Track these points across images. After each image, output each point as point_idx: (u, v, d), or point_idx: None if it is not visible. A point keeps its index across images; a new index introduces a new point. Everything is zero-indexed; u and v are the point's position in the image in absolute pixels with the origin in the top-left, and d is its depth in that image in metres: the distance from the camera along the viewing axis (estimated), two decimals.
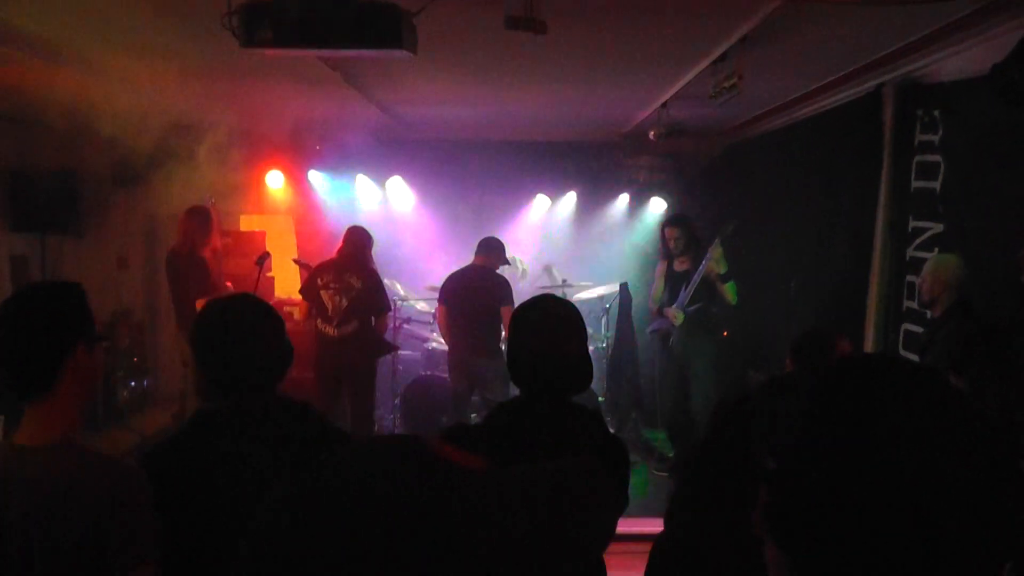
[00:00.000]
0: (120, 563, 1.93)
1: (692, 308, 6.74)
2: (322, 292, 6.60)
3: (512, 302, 6.61)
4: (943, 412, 0.87)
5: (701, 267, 6.63)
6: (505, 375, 6.60)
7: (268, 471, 2.08)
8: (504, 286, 6.80)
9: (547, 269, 8.82)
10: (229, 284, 7.10)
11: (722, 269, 6.61)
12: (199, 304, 6.42)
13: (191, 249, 6.75)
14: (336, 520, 0.78)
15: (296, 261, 7.50)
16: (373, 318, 6.73)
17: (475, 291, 6.76)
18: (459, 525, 0.78)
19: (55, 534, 1.90)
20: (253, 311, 2.43)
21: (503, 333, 6.65)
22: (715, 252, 6.57)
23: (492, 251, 6.92)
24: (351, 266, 6.63)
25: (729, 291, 6.67)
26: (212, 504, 2.11)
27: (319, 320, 6.65)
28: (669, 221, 7.14)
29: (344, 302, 6.56)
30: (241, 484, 2.07)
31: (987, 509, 0.84)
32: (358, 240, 6.78)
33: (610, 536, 1.01)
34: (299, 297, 8.78)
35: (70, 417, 2.08)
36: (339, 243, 6.84)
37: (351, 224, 7.01)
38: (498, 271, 6.93)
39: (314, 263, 6.95)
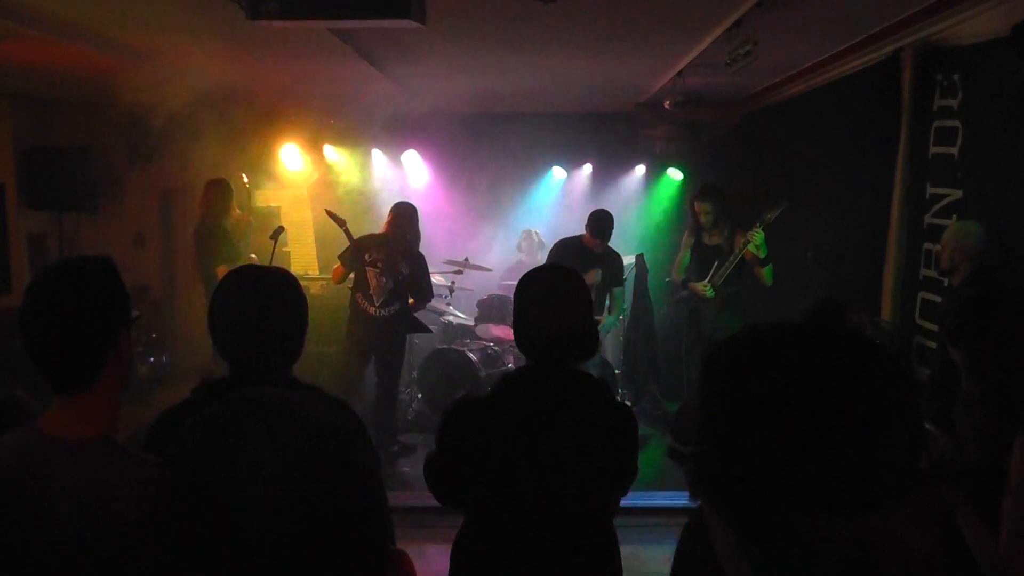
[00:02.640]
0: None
1: (729, 291, 6.57)
2: (368, 268, 6.50)
3: None
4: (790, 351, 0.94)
5: (739, 251, 6.39)
6: None
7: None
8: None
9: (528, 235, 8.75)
10: (253, 256, 7.06)
11: (762, 254, 6.32)
12: (220, 271, 6.18)
13: (213, 220, 6.72)
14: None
15: (329, 213, 7.05)
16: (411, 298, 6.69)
17: None
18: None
19: (100, 536, 1.70)
20: (280, 284, 2.27)
21: None
22: (756, 238, 6.24)
23: (587, 224, 6.91)
24: (401, 249, 6.54)
25: (766, 275, 6.45)
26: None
27: (359, 295, 6.57)
28: (699, 195, 6.78)
29: (390, 284, 6.49)
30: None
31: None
32: (407, 218, 6.61)
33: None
34: (314, 272, 8.68)
35: (111, 408, 1.85)
36: (387, 218, 6.67)
37: (399, 200, 6.86)
38: (588, 244, 6.88)
39: (335, 228, 6.87)
